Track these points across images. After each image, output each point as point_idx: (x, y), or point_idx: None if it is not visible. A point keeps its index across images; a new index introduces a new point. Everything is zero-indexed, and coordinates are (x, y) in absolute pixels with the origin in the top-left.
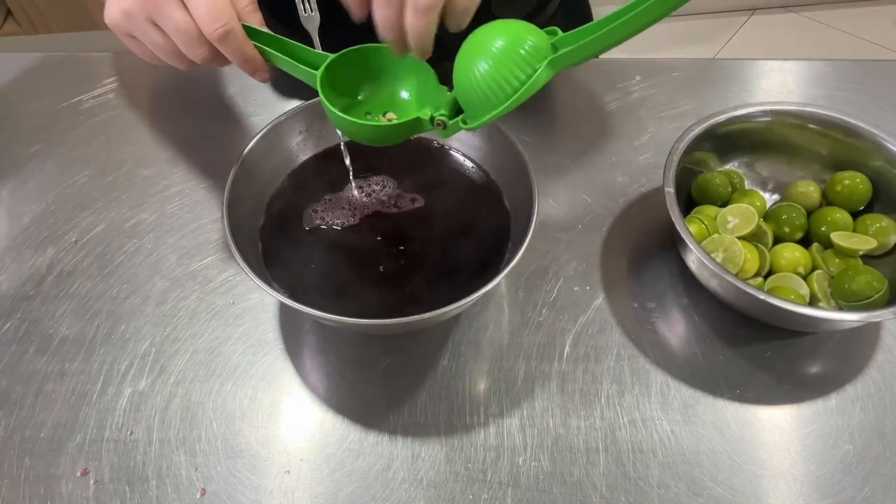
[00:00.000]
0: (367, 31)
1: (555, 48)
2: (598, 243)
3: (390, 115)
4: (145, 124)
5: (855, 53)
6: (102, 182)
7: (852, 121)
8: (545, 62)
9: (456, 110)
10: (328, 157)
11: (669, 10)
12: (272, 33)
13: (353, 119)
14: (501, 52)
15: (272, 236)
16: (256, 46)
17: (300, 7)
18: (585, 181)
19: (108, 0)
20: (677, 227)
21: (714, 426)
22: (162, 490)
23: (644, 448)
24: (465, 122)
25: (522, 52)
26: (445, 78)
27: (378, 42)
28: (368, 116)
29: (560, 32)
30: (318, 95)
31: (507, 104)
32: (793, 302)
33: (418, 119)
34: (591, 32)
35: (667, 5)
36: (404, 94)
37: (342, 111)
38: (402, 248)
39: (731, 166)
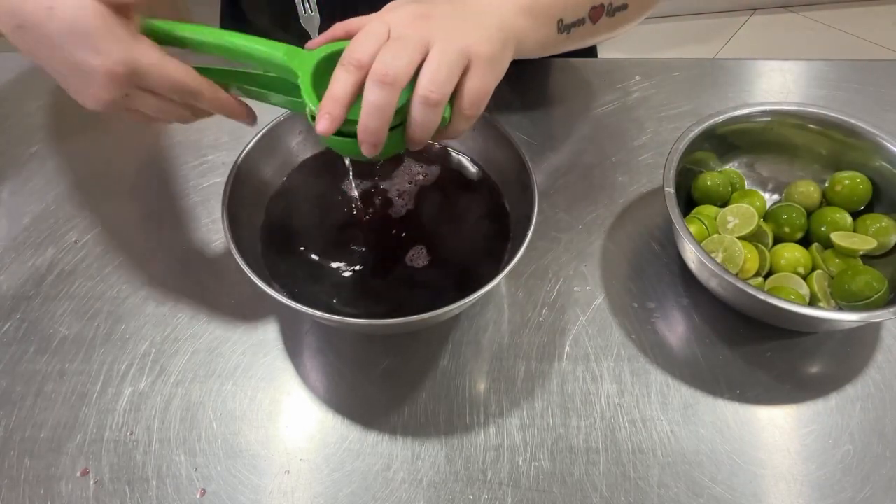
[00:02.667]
0: None
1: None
2: (598, 243)
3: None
4: (145, 124)
5: (855, 53)
6: (102, 182)
7: (852, 121)
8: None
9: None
10: (328, 157)
11: None
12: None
13: (336, 138)
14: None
15: (272, 236)
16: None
17: (300, 7)
18: (585, 181)
19: (79, 96)
20: (677, 227)
21: (714, 426)
22: (162, 490)
23: (644, 448)
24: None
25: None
26: None
27: None
28: None
29: None
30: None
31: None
32: (793, 302)
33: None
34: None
35: None
36: None
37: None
38: (402, 247)
39: (731, 166)
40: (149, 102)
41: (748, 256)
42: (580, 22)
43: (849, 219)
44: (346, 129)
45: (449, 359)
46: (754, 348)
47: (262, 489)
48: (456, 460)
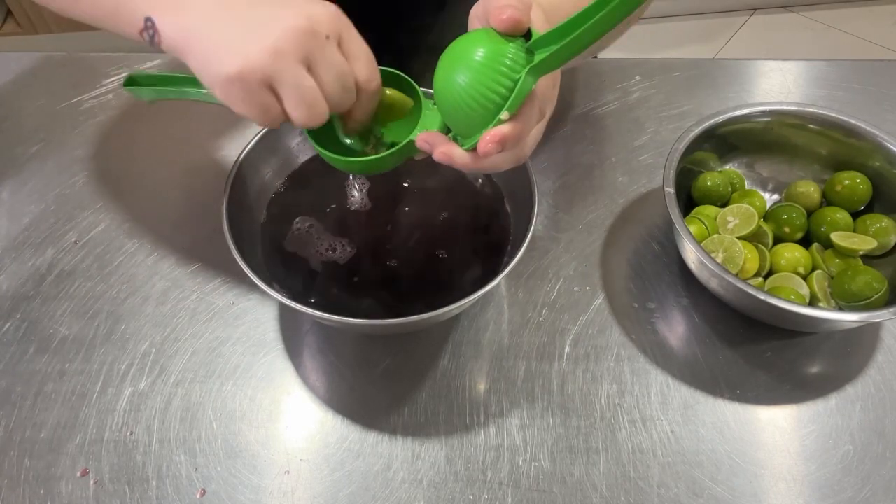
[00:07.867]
0: (372, 30)
1: (530, 52)
2: (598, 243)
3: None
4: (145, 124)
5: (855, 53)
6: (102, 182)
7: (852, 121)
8: (524, 70)
9: (447, 127)
10: None
11: (639, 4)
12: None
13: (349, 158)
14: (482, 63)
15: (272, 236)
16: None
17: None
18: (585, 181)
19: (236, 42)
20: (677, 227)
21: (714, 426)
22: (162, 490)
23: (644, 448)
24: (461, 145)
25: (505, 60)
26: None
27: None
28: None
29: (536, 32)
30: None
31: (497, 119)
32: (793, 302)
33: (412, 143)
34: (566, 33)
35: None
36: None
37: (330, 136)
38: (402, 248)
39: (731, 166)
40: (303, 84)
41: (748, 256)
42: None
43: (849, 219)
44: (341, 149)
45: (449, 359)
46: (754, 348)
47: (262, 489)
48: (456, 460)
